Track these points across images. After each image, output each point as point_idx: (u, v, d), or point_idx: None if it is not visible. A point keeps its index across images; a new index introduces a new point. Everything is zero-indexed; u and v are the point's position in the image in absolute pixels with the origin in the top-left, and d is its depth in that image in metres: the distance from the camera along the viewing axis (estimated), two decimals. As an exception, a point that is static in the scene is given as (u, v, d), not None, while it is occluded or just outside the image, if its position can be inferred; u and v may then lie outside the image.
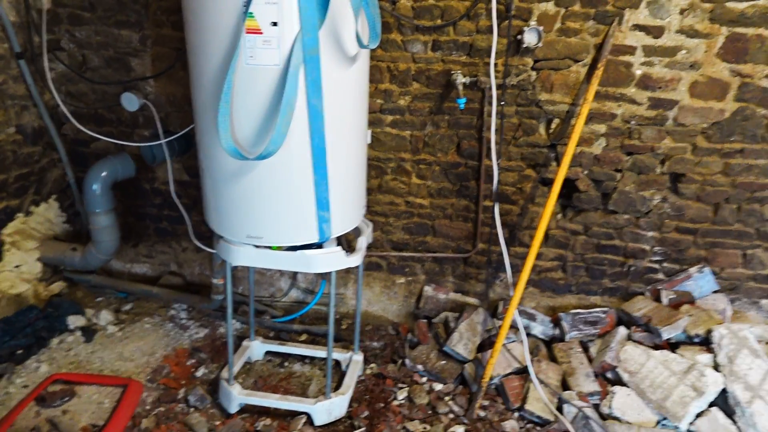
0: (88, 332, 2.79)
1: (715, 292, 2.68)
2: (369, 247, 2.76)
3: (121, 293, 3.11)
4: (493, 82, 2.39)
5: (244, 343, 2.68)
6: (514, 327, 2.64)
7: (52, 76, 2.75)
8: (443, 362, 2.61)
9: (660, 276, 2.73)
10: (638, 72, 2.36)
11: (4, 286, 2.67)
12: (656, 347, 2.50)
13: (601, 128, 2.47)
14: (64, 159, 2.91)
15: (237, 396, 2.33)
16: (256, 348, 2.70)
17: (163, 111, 2.78)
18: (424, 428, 2.31)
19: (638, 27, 2.29)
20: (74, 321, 2.82)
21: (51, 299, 2.91)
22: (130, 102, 2.65)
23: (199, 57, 1.88)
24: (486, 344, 2.65)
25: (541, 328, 2.70)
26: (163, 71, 2.69)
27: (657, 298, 2.66)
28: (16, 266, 2.74)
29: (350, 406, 2.41)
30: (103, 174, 2.67)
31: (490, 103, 2.45)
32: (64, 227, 3.03)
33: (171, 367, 2.63)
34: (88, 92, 2.82)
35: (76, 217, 3.09)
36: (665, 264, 2.71)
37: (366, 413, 2.39)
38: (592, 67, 2.36)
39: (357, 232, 2.36)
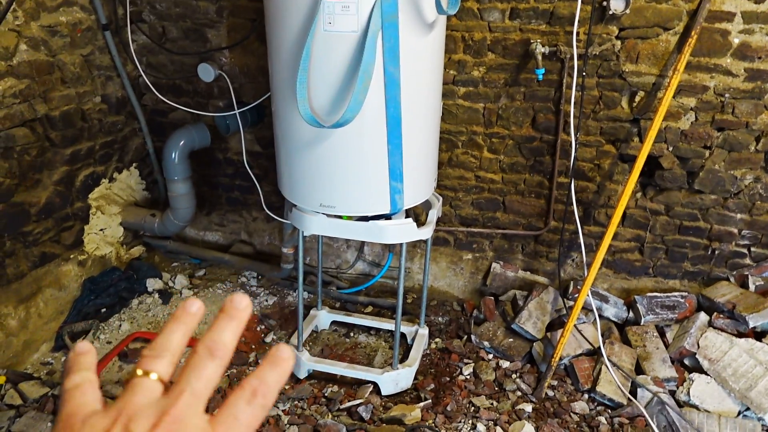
0: (165, 295, 2.92)
1: (810, 280, 2.50)
2: (437, 222, 2.73)
3: (195, 259, 3.23)
4: (575, 51, 2.28)
5: (312, 312, 2.73)
6: (585, 308, 2.56)
7: (134, 47, 2.85)
8: (510, 340, 2.56)
9: (747, 261, 2.57)
10: (736, 41, 2.19)
11: (90, 248, 2.83)
12: (740, 335, 2.36)
13: (691, 102, 2.32)
14: (144, 128, 3.03)
15: (306, 362, 2.38)
16: (323, 317, 2.75)
17: (237, 82, 2.83)
18: (491, 404, 2.29)
19: (738, -9, 2.12)
20: (153, 284, 2.96)
21: (131, 262, 3.06)
22: (206, 73, 2.71)
23: (277, 25, 1.88)
24: (555, 324, 2.59)
25: (614, 310, 2.61)
26: (238, 42, 2.73)
27: (743, 284, 2.51)
28: (101, 229, 2.89)
29: (416, 378, 2.42)
30: (181, 143, 2.76)
31: (570, 75, 2.35)
32: (144, 194, 3.16)
33: (242, 332, 2.71)
34: (167, 63, 2.90)
35: (154, 185, 3.22)
36: (754, 249, 2.54)
37: (432, 386, 2.39)
38: (684, 36, 2.21)
39: (427, 205, 2.33)
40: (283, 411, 2.27)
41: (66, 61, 2.53)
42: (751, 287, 2.46)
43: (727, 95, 2.27)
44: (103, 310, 2.74)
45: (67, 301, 2.68)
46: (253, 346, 2.64)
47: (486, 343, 2.58)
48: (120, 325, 2.72)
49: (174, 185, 2.82)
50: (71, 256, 2.74)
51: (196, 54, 2.82)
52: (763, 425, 2.13)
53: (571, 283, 2.70)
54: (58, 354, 2.53)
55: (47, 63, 2.44)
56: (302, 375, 2.41)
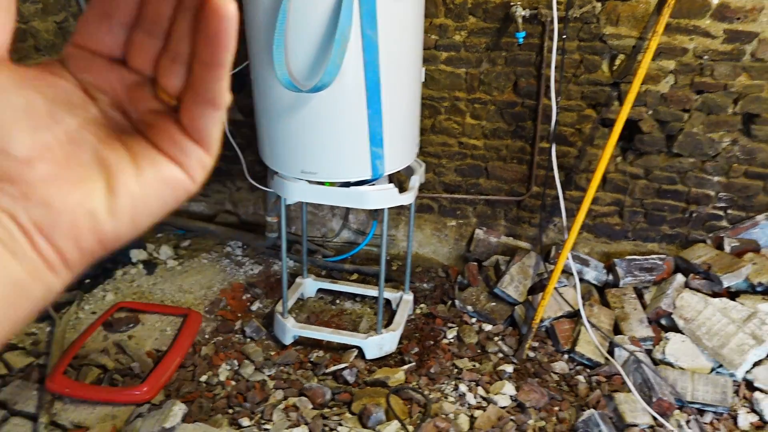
0: (150, 265, 2.92)
1: (784, 240, 2.55)
2: (420, 189, 2.74)
3: (180, 230, 3.22)
4: (555, 14, 2.26)
5: (298, 280, 2.75)
6: (566, 272, 2.60)
7: (110, 14, 2.78)
8: (493, 304, 2.61)
9: (723, 223, 2.62)
10: (715, 1, 2.18)
11: (72, 220, 2.81)
12: (715, 295, 2.42)
13: (670, 64, 2.33)
14: (123, 98, 2.98)
15: (291, 328, 2.40)
16: (309, 285, 2.77)
17: (217, 49, 2.78)
18: (473, 365, 2.34)
19: (718, -49, 2.11)
20: (137, 254, 2.96)
21: (115, 234, 3.05)
22: (185, 40, 2.66)
23: (253, -13, 1.85)
24: (537, 288, 2.63)
25: (594, 273, 2.65)
26: (216, 8, 2.68)
27: (719, 246, 2.56)
28: (82, 201, 2.87)
29: (400, 342, 2.46)
30: (161, 112, 2.72)
31: (551, 38, 2.34)
32: (125, 165, 3.13)
33: (227, 301, 2.73)
34: (144, 31, 2.84)
35: (135, 156, 3.19)
36: (730, 211, 2.58)
37: (416, 350, 2.43)
38: (664, -3, 2.20)
39: (409, 171, 2.34)
40: (269, 376, 2.30)
41: (39, 29, 2.47)
42: (727, 249, 2.51)
43: (705, 57, 2.28)
44: (87, 280, 2.74)
45: (51, 273, 2.67)
46: (239, 315, 2.66)
47: (469, 308, 2.62)
48: (104, 296, 2.72)
49: (155, 155, 2.79)
50: (53, 228, 2.72)
51: (173, 21, 2.76)
52: (734, 381, 2.21)
53: (553, 247, 2.74)
54: (42, 324, 2.53)
55: (19, 30, 2.39)
56: (288, 341, 2.44)
